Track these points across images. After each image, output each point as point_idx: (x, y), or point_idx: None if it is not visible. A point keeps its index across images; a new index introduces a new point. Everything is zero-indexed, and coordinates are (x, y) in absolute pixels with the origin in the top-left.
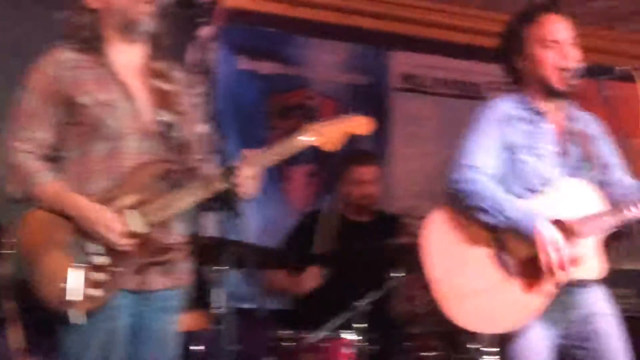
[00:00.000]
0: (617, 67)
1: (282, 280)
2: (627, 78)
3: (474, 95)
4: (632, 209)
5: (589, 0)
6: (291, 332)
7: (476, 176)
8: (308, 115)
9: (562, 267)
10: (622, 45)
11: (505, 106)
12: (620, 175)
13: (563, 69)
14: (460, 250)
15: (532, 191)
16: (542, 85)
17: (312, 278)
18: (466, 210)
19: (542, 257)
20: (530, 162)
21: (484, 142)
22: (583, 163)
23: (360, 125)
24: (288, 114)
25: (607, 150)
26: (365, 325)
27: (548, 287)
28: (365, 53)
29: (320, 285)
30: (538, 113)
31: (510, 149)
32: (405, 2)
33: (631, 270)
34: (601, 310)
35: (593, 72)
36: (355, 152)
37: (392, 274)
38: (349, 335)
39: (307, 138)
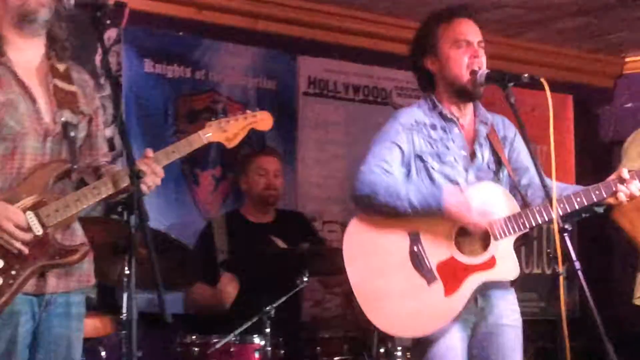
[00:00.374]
0: (525, 75)
1: (203, 294)
2: (535, 85)
3: (381, 101)
4: (544, 214)
5: (492, 9)
6: (199, 336)
7: (372, 176)
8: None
9: (484, 217)
10: (523, 53)
11: (414, 113)
12: (535, 177)
13: (473, 70)
14: (380, 254)
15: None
16: (453, 86)
17: (229, 285)
18: (376, 210)
19: (466, 224)
20: (439, 169)
21: (388, 148)
22: (495, 167)
23: (262, 120)
24: (195, 118)
25: (521, 152)
26: (274, 329)
27: (464, 290)
28: (274, 57)
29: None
30: (448, 118)
31: (420, 157)
32: (313, 8)
33: (534, 274)
34: (510, 322)
35: (500, 78)
36: (256, 145)
37: (300, 278)
38: (257, 340)
39: (209, 134)
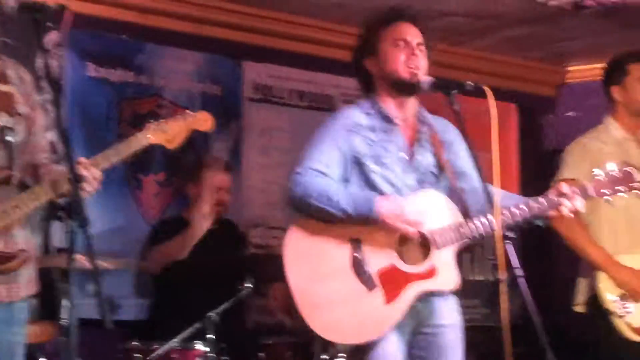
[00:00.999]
0: (468, 82)
1: (169, 248)
2: (479, 93)
3: (326, 107)
4: (483, 220)
5: (437, 18)
6: (140, 343)
7: (312, 178)
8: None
9: (416, 226)
10: (468, 61)
11: (354, 115)
12: (474, 182)
13: (411, 68)
14: (321, 260)
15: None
16: (391, 82)
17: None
18: (310, 213)
19: (402, 231)
20: (379, 171)
21: (327, 149)
22: (436, 170)
23: (202, 120)
24: (139, 122)
25: (462, 157)
26: (217, 335)
27: (404, 298)
28: (218, 63)
29: (171, 296)
30: (389, 119)
31: (359, 159)
32: (259, 13)
33: (477, 280)
34: (449, 322)
35: (444, 86)
36: (211, 157)
37: (244, 284)
38: (199, 346)
39: (148, 136)
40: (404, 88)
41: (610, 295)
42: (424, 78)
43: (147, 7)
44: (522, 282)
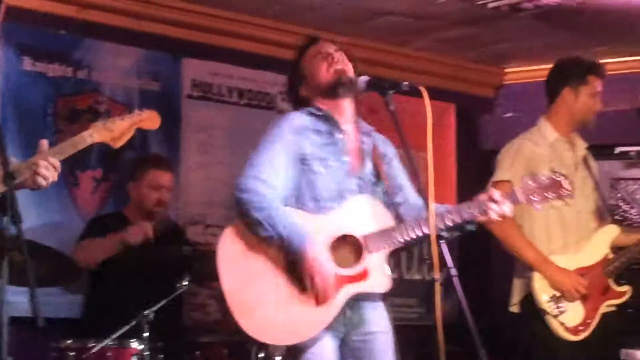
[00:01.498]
0: (404, 82)
1: (99, 246)
2: (414, 93)
3: (266, 105)
4: (416, 229)
5: (375, 17)
6: (74, 341)
7: (259, 188)
8: (98, 120)
9: (324, 294)
10: (406, 61)
11: (300, 118)
12: (410, 196)
13: (335, 70)
14: (254, 261)
15: (325, 203)
16: (321, 90)
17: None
18: (246, 221)
19: (308, 281)
20: (323, 173)
21: (274, 155)
22: (375, 179)
23: (149, 119)
24: (77, 118)
25: (398, 171)
26: (153, 333)
27: (336, 300)
28: (157, 59)
29: (107, 293)
30: (335, 124)
31: (303, 161)
32: (198, 10)
33: (413, 280)
34: (381, 328)
35: (381, 86)
36: (152, 156)
37: (180, 283)
38: (134, 344)
39: (94, 135)
40: (334, 88)
41: (544, 295)
42: (361, 78)
43: (85, 2)
44: (456, 281)
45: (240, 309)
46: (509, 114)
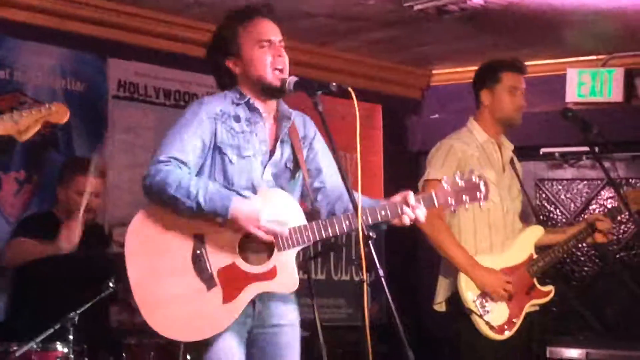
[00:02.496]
0: (333, 83)
1: (31, 249)
2: (343, 94)
3: None
4: (329, 229)
5: (302, 18)
6: None
7: (167, 167)
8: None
9: (274, 234)
10: (334, 62)
11: (220, 102)
12: (329, 180)
13: (277, 69)
14: (162, 255)
15: (239, 191)
16: (258, 85)
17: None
18: (164, 202)
19: (251, 233)
20: (236, 162)
21: (185, 138)
22: (292, 166)
23: (57, 113)
24: None
25: (319, 153)
26: (78, 336)
27: (242, 298)
28: (82, 59)
29: (31, 296)
30: (254, 108)
31: (219, 148)
32: (123, 10)
33: (342, 280)
34: (288, 322)
35: (309, 86)
36: (81, 160)
37: (105, 285)
38: (59, 347)
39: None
40: (273, 93)
41: (470, 294)
42: (289, 78)
43: (7, 0)
44: (383, 282)
45: (145, 303)
46: (435, 116)
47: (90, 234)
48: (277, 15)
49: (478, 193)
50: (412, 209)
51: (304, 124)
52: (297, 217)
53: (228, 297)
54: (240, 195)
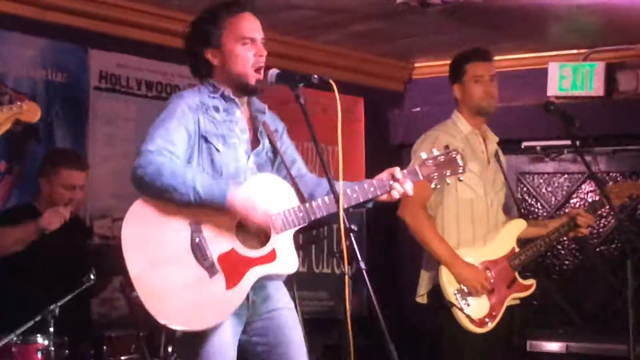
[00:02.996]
0: (314, 76)
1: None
2: (324, 86)
3: None
4: (323, 209)
5: (284, 10)
6: None
7: (160, 158)
8: None
9: (268, 226)
10: (316, 55)
11: (195, 95)
12: (304, 170)
13: (257, 67)
14: (161, 244)
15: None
16: (236, 82)
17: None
18: (158, 192)
19: (250, 226)
20: (223, 151)
21: (171, 129)
22: (272, 156)
23: (28, 111)
24: None
25: (289, 146)
26: (59, 329)
27: (244, 283)
28: (63, 50)
29: (11, 288)
30: (230, 99)
31: (205, 138)
32: (106, 1)
33: (323, 273)
34: (284, 305)
35: (290, 79)
36: (66, 153)
37: (86, 277)
38: (40, 340)
39: None
40: (248, 91)
41: (451, 288)
42: (271, 71)
43: None
44: (364, 274)
45: (147, 293)
46: (417, 109)
47: (71, 226)
48: (260, 10)
49: (457, 167)
50: (400, 184)
51: (273, 119)
52: (291, 199)
53: (231, 283)
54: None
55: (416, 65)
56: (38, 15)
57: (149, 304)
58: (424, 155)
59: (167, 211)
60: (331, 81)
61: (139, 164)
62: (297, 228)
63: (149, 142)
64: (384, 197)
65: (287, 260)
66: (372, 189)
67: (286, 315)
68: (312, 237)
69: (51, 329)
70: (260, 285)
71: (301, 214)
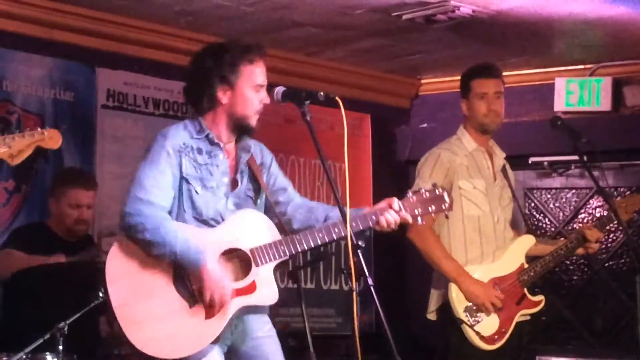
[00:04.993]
0: (320, 93)
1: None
2: (331, 103)
3: (181, 116)
4: (304, 243)
5: (290, 28)
6: None
7: (146, 210)
8: (10, 130)
9: (221, 306)
10: (322, 72)
11: (182, 135)
12: (295, 196)
13: (259, 110)
14: (143, 276)
15: (205, 221)
16: (237, 121)
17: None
18: (139, 243)
19: (206, 295)
20: (202, 194)
21: (158, 173)
22: (253, 194)
23: (50, 139)
24: None
25: (278, 175)
26: (68, 346)
27: (226, 313)
28: (71, 68)
29: (21, 306)
30: (215, 143)
31: (186, 180)
32: (112, 19)
33: (331, 290)
34: (265, 333)
35: (297, 96)
36: (72, 172)
37: (95, 295)
38: (49, 357)
39: None
40: (244, 131)
41: (461, 305)
42: (277, 89)
43: None
44: (373, 291)
45: (129, 323)
46: (424, 125)
47: (81, 244)
48: (266, 27)
49: (443, 204)
50: (399, 213)
51: (261, 152)
52: (272, 234)
53: (210, 314)
54: (210, 225)
55: (422, 81)
56: (46, 34)
57: (128, 332)
58: (410, 193)
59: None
60: (337, 98)
61: (128, 212)
62: (277, 262)
63: (139, 189)
64: (382, 227)
65: (267, 293)
66: (373, 217)
67: (270, 344)
68: (320, 253)
69: (60, 347)
70: (243, 312)
71: (282, 248)
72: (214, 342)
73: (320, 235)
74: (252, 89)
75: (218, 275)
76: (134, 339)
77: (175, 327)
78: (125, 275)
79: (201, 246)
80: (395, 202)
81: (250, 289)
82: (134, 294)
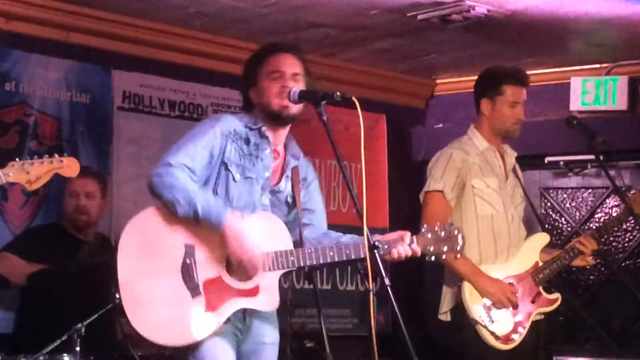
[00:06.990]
0: (337, 93)
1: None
2: (347, 104)
3: (197, 117)
4: (313, 259)
5: (305, 29)
6: (5, 357)
7: (173, 170)
8: (27, 132)
9: (254, 270)
10: (338, 72)
11: (233, 122)
12: (318, 221)
13: (283, 100)
14: (153, 257)
15: (235, 210)
16: (266, 113)
17: None
18: (164, 202)
19: (234, 260)
20: (240, 182)
21: (194, 148)
22: (290, 200)
23: (68, 167)
24: (6, 131)
25: (313, 197)
26: (85, 347)
27: (223, 309)
28: (87, 71)
29: (38, 308)
30: (265, 136)
31: (225, 164)
32: (128, 22)
33: (347, 290)
34: (271, 340)
35: (313, 96)
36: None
37: (112, 295)
38: (66, 359)
39: (10, 174)
40: (275, 118)
41: (475, 305)
42: (293, 89)
43: (12, 13)
44: (389, 291)
45: (130, 301)
46: (439, 125)
47: (98, 245)
48: (301, 51)
49: (455, 245)
50: (411, 246)
51: (306, 168)
52: (285, 243)
53: (210, 307)
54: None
55: (438, 81)
56: (63, 37)
57: (128, 309)
58: (425, 229)
59: (169, 227)
60: (354, 98)
61: (157, 172)
62: (285, 271)
63: (172, 155)
64: (386, 258)
65: (268, 299)
66: (386, 247)
67: (269, 351)
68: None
69: (77, 348)
70: (254, 312)
71: (292, 258)
72: (213, 335)
73: (331, 254)
74: (268, 78)
75: (241, 236)
76: (132, 318)
77: (174, 315)
78: (136, 252)
79: (222, 207)
80: (408, 236)
81: (253, 292)
82: (141, 272)
